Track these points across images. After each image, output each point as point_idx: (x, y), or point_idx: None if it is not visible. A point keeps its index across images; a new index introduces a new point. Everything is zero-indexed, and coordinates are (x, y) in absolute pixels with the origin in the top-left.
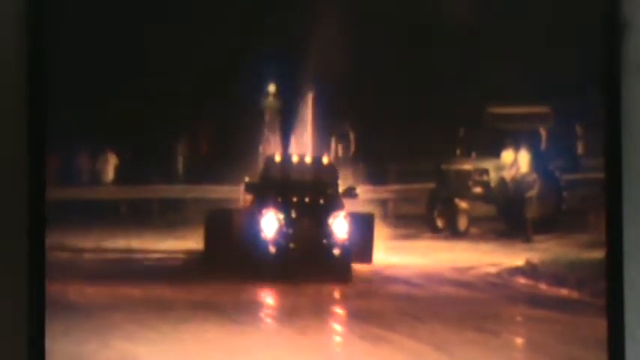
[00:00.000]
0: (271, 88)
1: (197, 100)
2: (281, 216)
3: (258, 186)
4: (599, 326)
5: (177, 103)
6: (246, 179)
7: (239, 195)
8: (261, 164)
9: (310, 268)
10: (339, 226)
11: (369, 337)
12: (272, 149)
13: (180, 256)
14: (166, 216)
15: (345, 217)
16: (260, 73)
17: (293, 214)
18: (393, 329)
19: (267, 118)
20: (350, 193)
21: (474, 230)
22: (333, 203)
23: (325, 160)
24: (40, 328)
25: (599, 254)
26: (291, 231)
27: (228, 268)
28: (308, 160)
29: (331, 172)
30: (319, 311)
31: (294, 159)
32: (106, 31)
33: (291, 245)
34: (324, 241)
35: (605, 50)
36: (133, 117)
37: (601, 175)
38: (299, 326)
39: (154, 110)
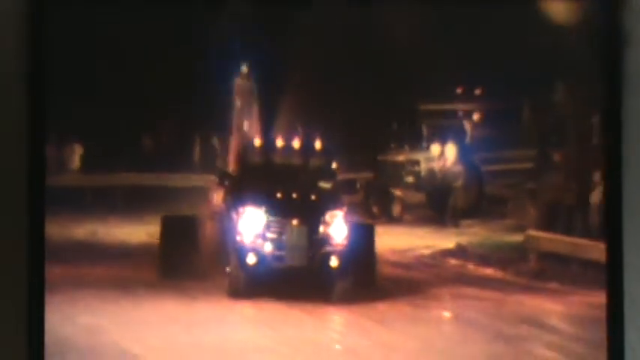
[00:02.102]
0: (243, 69)
1: (163, 86)
2: (263, 216)
3: (233, 178)
4: (522, 303)
5: (143, 94)
6: (218, 169)
7: (207, 184)
8: (235, 151)
9: (300, 283)
10: (338, 229)
11: (315, 312)
12: (245, 135)
13: (143, 238)
14: (131, 203)
15: (345, 216)
16: (230, 53)
17: (279, 214)
18: None
19: (238, 102)
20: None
21: (407, 217)
22: (328, 199)
23: (318, 144)
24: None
25: (519, 237)
26: (275, 235)
27: (190, 285)
28: (296, 145)
29: (325, 160)
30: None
31: (279, 144)
32: (72, 23)
33: (276, 253)
34: (319, 248)
35: (606, 60)
36: (99, 108)
37: (520, 165)
38: (255, 300)
39: (120, 100)
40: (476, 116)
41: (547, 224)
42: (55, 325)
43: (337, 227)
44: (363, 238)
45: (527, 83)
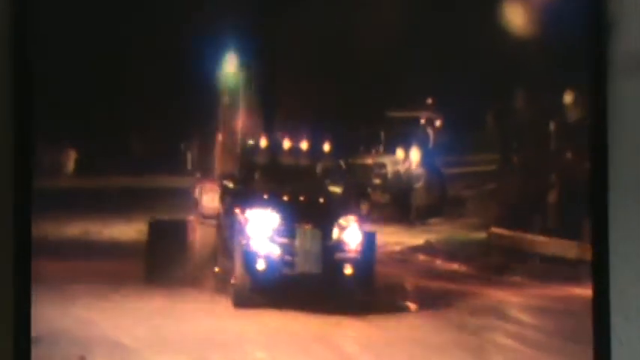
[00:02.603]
0: (231, 61)
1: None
2: (274, 220)
3: (235, 179)
4: (486, 295)
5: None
6: (217, 171)
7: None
8: (221, 149)
9: (314, 291)
10: (352, 235)
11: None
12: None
13: (132, 236)
14: (121, 203)
15: (357, 221)
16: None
17: (289, 217)
18: None
19: (225, 98)
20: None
21: (375, 216)
22: (340, 203)
23: (327, 147)
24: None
25: (483, 235)
26: (286, 240)
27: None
28: (304, 146)
29: (335, 162)
30: None
31: (286, 145)
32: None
33: (287, 259)
34: (333, 254)
35: (591, 50)
36: (91, 112)
37: (482, 168)
38: (262, 309)
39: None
40: (438, 122)
41: (509, 222)
42: (46, 317)
43: (352, 233)
44: (369, 243)
45: (490, 91)
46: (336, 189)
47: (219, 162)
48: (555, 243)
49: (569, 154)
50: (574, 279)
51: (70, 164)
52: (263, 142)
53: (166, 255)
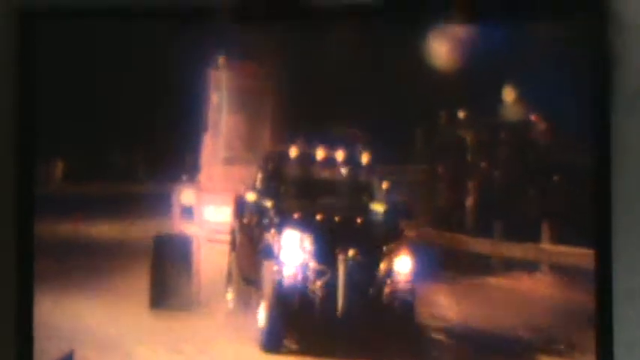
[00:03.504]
0: (220, 59)
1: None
2: (311, 246)
3: (258, 194)
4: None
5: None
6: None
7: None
8: (263, 163)
9: (358, 332)
10: (402, 265)
11: None
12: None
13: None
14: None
15: (407, 247)
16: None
17: (328, 243)
18: None
19: (215, 97)
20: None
21: None
22: (388, 227)
23: (365, 157)
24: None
25: (412, 233)
26: (325, 271)
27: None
28: (340, 156)
29: (375, 176)
30: None
31: (319, 155)
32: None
33: (325, 293)
34: (383, 288)
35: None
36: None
37: (413, 178)
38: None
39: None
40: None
41: (437, 223)
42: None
43: (402, 261)
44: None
45: (419, 111)
46: (378, 207)
47: (205, 162)
48: (472, 241)
49: (483, 164)
50: (489, 272)
51: (59, 172)
52: (293, 152)
53: (173, 279)
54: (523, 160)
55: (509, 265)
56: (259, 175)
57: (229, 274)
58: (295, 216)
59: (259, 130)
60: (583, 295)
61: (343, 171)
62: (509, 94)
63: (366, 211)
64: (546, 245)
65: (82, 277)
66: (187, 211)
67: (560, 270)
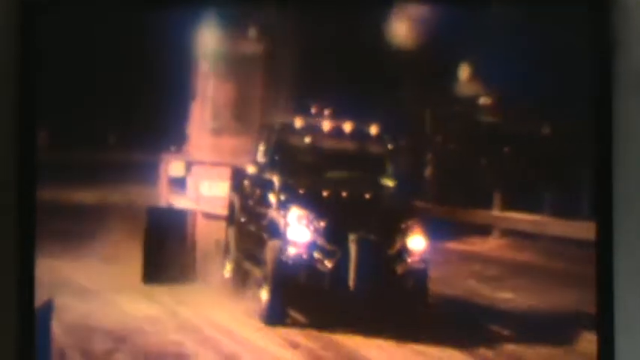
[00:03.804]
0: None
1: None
2: (319, 222)
3: (260, 167)
4: None
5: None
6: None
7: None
8: (264, 135)
9: (367, 309)
10: (416, 243)
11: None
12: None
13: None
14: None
15: (421, 225)
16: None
17: (339, 220)
18: None
19: (205, 64)
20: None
21: None
22: (401, 204)
23: (373, 129)
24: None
25: None
26: (336, 248)
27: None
28: (347, 128)
29: (387, 150)
30: None
31: (326, 126)
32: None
33: (335, 273)
34: (395, 267)
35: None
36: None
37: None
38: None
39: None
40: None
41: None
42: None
43: (416, 240)
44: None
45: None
46: (388, 181)
47: (193, 129)
48: (435, 208)
49: (439, 138)
50: (453, 236)
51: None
52: (298, 122)
53: (167, 252)
54: (475, 134)
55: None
56: (260, 147)
57: (226, 249)
58: (302, 192)
59: (251, 98)
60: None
61: (351, 143)
62: (464, 72)
63: (376, 186)
64: (496, 212)
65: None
66: (177, 183)
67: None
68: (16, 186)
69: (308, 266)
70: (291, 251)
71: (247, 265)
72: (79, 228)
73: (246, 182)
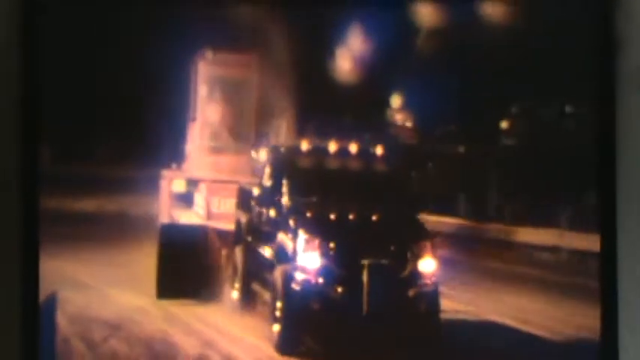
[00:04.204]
0: (207, 53)
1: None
2: (330, 245)
3: (269, 191)
4: None
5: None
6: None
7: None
8: (271, 157)
9: (380, 334)
10: (427, 265)
11: None
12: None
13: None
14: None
15: (431, 247)
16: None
17: (350, 243)
18: None
19: (203, 89)
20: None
21: None
22: (412, 226)
23: (379, 150)
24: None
25: None
26: (347, 273)
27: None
28: (353, 149)
29: (395, 170)
30: None
31: (332, 148)
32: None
33: (346, 298)
34: (407, 290)
35: (599, 66)
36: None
37: None
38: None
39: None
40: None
41: None
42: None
43: (427, 262)
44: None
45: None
46: (397, 202)
47: (191, 150)
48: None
49: None
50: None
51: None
52: (304, 145)
53: (181, 269)
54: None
55: None
56: (267, 170)
57: (234, 270)
58: (311, 216)
59: (246, 120)
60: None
61: (358, 164)
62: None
63: (386, 208)
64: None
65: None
66: (180, 198)
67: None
68: (20, 194)
69: (319, 293)
70: (302, 277)
71: (256, 287)
72: (80, 232)
73: (252, 202)
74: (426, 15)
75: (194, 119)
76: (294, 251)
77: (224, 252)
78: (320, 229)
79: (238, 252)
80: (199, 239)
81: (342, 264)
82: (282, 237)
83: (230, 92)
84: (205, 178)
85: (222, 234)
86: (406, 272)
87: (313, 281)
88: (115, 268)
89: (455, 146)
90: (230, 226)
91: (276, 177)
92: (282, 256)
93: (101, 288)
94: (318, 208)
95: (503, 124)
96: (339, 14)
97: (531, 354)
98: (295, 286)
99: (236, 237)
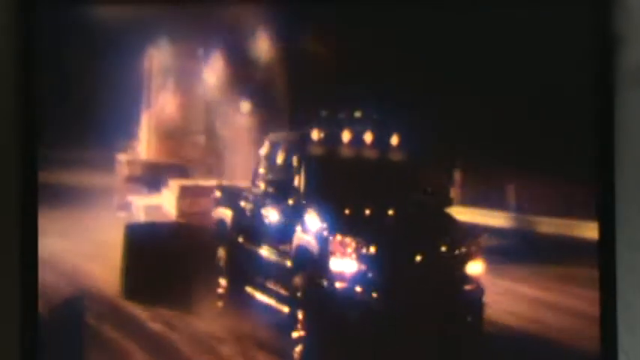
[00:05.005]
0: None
1: None
2: (368, 248)
3: (275, 186)
4: None
5: None
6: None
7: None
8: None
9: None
10: (476, 267)
11: None
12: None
13: None
14: None
15: (480, 247)
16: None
17: (390, 246)
18: None
19: (156, 76)
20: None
21: None
22: (452, 223)
23: (394, 138)
24: None
25: None
26: (390, 279)
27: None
28: (368, 138)
29: (408, 160)
30: None
31: (345, 137)
32: None
33: (384, 304)
34: (457, 296)
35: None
36: None
37: None
38: None
39: None
40: None
41: None
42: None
43: (476, 263)
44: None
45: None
46: (428, 198)
47: (145, 142)
48: None
49: None
50: None
51: None
52: (315, 134)
53: (149, 269)
54: None
55: None
56: (265, 162)
57: (221, 273)
58: (345, 214)
59: (198, 108)
60: None
61: (378, 156)
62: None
63: (420, 206)
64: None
65: None
66: (135, 181)
67: None
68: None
69: (358, 302)
70: (335, 285)
71: (262, 297)
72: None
73: (244, 199)
74: None
75: (149, 107)
76: (324, 254)
77: (203, 252)
78: (356, 229)
79: (222, 253)
80: (172, 238)
81: (384, 269)
82: (302, 237)
83: (183, 82)
84: (160, 162)
85: (197, 233)
86: (453, 276)
87: (350, 289)
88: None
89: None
90: (206, 225)
91: (287, 170)
92: (304, 260)
93: None
94: (349, 205)
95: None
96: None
97: None
98: (327, 296)
99: (219, 237)
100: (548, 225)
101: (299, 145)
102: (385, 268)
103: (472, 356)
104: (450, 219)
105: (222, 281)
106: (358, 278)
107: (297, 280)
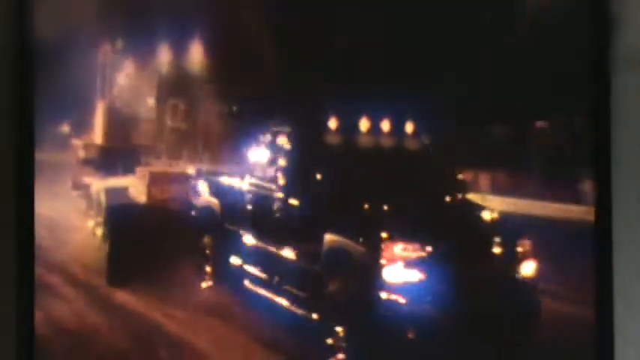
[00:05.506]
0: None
1: None
2: (423, 253)
3: (291, 178)
4: None
5: None
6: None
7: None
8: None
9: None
10: (530, 269)
11: None
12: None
13: None
14: None
15: (533, 246)
16: None
17: (446, 250)
18: None
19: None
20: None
21: None
22: (495, 221)
23: (410, 126)
24: None
25: None
26: (449, 288)
27: None
28: (386, 127)
29: (426, 149)
30: None
31: (363, 126)
32: None
33: (450, 323)
34: (516, 300)
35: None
36: None
37: None
38: None
39: None
40: None
41: None
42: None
43: (530, 265)
44: None
45: None
46: (468, 195)
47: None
48: None
49: None
50: None
51: None
52: (332, 123)
53: (134, 253)
54: None
55: None
56: (268, 152)
57: (203, 262)
58: (392, 213)
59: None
60: None
61: (402, 147)
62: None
63: (467, 204)
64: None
65: None
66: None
67: None
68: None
69: (418, 317)
70: (388, 297)
71: (263, 293)
72: None
73: (241, 189)
74: None
75: (103, 97)
76: (370, 261)
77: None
78: (408, 231)
79: (209, 243)
80: (150, 219)
81: (442, 276)
82: (333, 239)
83: (133, 78)
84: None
85: (181, 219)
86: (513, 278)
87: (405, 302)
88: None
89: None
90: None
91: (305, 161)
92: (338, 265)
93: None
94: (390, 202)
95: None
96: None
97: None
98: (379, 311)
99: (204, 227)
100: (544, 209)
101: (313, 135)
102: (448, 277)
103: None
104: (493, 216)
105: (211, 269)
106: (419, 289)
107: (332, 287)
